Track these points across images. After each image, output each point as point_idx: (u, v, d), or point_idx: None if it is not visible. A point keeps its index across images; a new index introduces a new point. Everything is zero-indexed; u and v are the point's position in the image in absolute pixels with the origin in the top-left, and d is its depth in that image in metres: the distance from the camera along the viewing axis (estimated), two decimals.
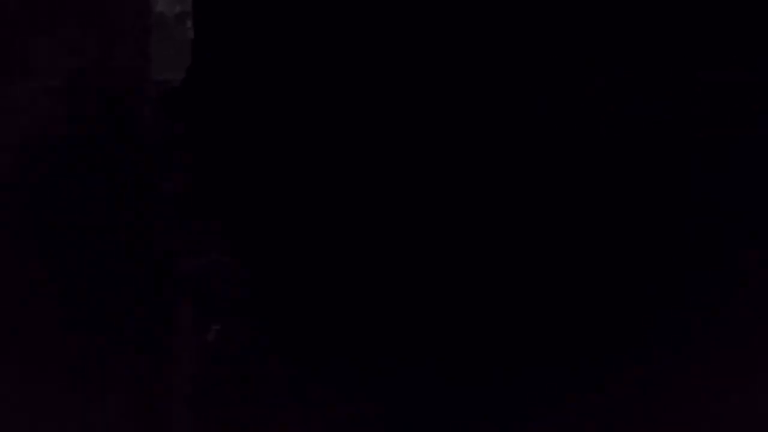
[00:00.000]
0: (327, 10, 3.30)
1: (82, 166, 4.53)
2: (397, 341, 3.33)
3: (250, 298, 3.51)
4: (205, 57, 3.52)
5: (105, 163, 4.57)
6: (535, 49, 3.17)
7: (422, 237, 3.29)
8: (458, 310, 3.29)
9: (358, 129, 3.31)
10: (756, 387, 3.15)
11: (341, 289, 3.37)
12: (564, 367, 3.23)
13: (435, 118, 3.23)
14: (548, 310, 3.23)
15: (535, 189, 3.21)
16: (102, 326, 4.39)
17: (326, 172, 3.36)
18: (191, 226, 3.83)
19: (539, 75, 3.17)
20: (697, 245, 3.14)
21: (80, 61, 4.66)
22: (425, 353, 3.32)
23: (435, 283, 3.29)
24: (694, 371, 3.18)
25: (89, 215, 4.48)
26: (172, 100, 3.72)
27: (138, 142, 4.63)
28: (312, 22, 3.31)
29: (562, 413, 3.24)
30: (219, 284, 3.68)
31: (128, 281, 4.41)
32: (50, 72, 4.61)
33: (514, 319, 3.25)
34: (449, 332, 3.30)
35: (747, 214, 3.11)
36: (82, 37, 4.66)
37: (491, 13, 3.18)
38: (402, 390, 3.34)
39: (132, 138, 4.64)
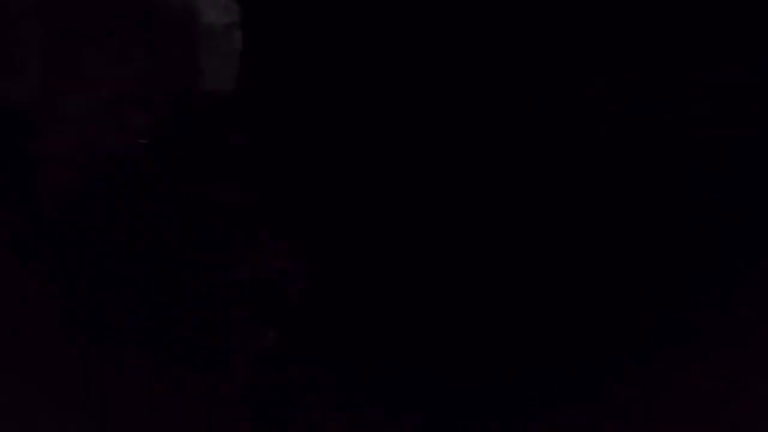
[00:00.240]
0: (372, 11, 3.36)
1: (132, 177, 4.67)
2: (458, 356, 3.37)
3: (307, 305, 3.54)
4: (258, 67, 3.60)
5: (156, 174, 4.70)
6: (535, 49, 3.20)
7: (427, 237, 3.33)
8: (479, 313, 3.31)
9: (384, 131, 3.37)
10: (756, 387, 3.11)
11: (402, 300, 3.39)
12: (564, 367, 3.24)
13: (435, 118, 3.28)
14: (548, 310, 3.24)
15: (534, 189, 3.23)
16: (157, 334, 4.50)
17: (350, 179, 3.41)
18: (247, 236, 3.91)
19: (539, 75, 3.20)
20: (697, 245, 3.13)
21: (129, 71, 4.80)
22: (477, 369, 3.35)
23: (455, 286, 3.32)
24: (694, 371, 3.15)
25: (142, 226, 4.61)
26: (226, 110, 3.80)
27: (189, 153, 4.75)
28: (360, 24, 3.38)
29: (562, 413, 3.25)
30: (276, 292, 3.73)
31: (184, 289, 4.51)
32: (100, 83, 4.76)
33: (514, 319, 3.27)
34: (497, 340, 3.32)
35: (747, 214, 3.09)
36: (131, 48, 4.81)
37: (491, 13, 3.22)
38: (455, 401, 3.37)
39: (183, 148, 4.77)
